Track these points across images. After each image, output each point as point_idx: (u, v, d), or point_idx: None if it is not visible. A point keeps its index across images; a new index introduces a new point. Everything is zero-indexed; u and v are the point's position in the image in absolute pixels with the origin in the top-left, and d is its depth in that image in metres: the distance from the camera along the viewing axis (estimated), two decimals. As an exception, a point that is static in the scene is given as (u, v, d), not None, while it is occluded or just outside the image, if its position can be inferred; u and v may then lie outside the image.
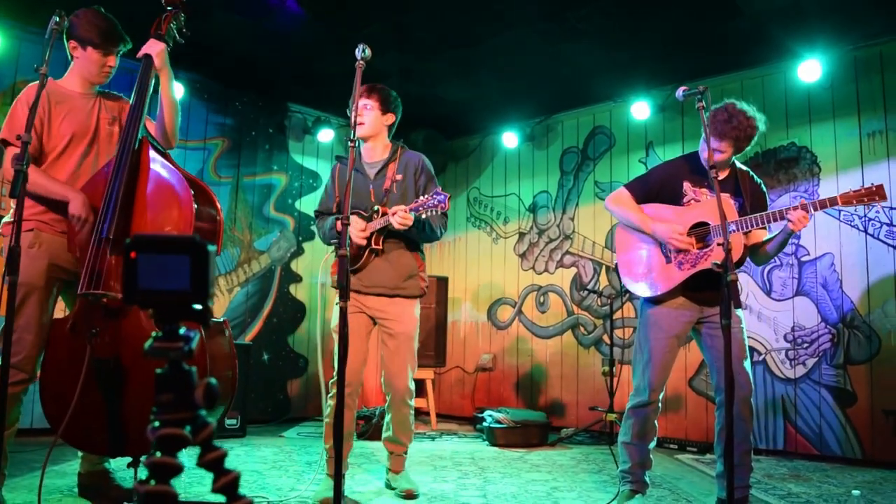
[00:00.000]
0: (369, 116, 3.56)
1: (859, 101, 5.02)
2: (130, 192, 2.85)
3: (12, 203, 2.82)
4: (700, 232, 3.21)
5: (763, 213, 3.07)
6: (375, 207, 3.51)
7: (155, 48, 3.07)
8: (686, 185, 3.33)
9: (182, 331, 0.99)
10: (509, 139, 7.01)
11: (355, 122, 2.85)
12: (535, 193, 6.96)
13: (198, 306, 0.98)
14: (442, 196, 3.30)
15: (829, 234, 5.04)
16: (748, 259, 3.35)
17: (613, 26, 5.04)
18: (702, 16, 4.80)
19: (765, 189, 3.37)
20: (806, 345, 5.05)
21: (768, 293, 5.28)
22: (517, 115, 6.88)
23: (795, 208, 2.97)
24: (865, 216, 4.86)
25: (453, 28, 5.17)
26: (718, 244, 2.92)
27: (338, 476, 2.37)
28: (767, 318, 5.26)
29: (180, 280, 0.95)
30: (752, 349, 5.28)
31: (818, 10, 4.64)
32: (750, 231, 3.12)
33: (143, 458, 2.65)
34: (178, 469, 0.93)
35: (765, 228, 3.16)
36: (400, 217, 3.32)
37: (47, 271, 2.95)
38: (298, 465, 4.28)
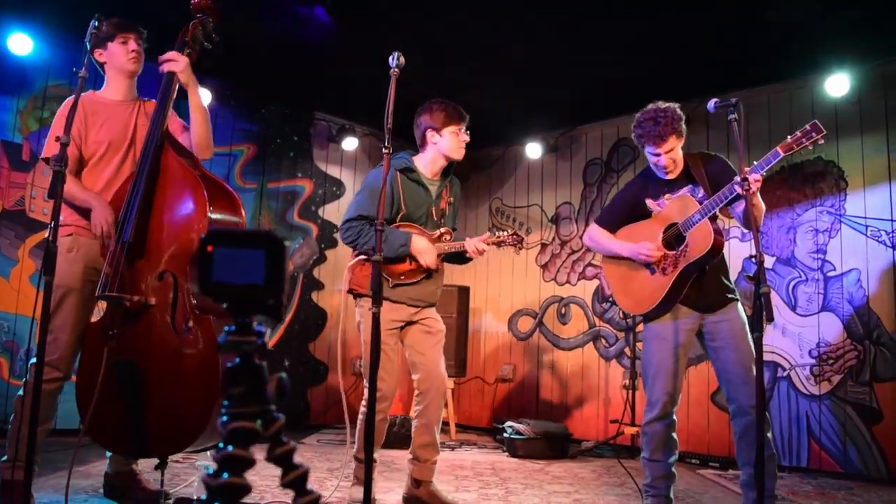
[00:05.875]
0: None
1: (887, 117, 4.98)
2: (150, 197, 2.88)
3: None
4: (673, 233, 3.25)
5: (718, 193, 3.05)
6: (441, 230, 3.51)
7: (178, 65, 3.06)
8: (649, 202, 3.41)
9: (255, 326, 1.00)
10: (532, 150, 6.99)
11: (391, 128, 2.85)
12: (558, 205, 6.95)
13: (271, 301, 0.98)
14: (522, 238, 3.46)
15: (855, 250, 4.99)
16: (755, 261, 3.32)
17: (637, 39, 5.04)
18: (728, 29, 4.79)
19: (722, 157, 3.33)
20: (831, 361, 4.99)
21: (793, 308, 5.24)
22: (540, 126, 6.88)
23: (743, 178, 2.86)
24: (893, 231, 4.82)
25: (476, 38, 5.19)
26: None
27: (368, 478, 2.37)
28: (792, 334, 5.21)
29: (254, 274, 0.95)
30: (776, 365, 5.24)
31: (846, 25, 4.62)
32: (715, 215, 3.13)
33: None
34: (250, 462, 0.93)
35: (728, 208, 3.18)
36: (479, 248, 3.38)
37: (84, 274, 3.01)
38: (320, 472, 4.28)
